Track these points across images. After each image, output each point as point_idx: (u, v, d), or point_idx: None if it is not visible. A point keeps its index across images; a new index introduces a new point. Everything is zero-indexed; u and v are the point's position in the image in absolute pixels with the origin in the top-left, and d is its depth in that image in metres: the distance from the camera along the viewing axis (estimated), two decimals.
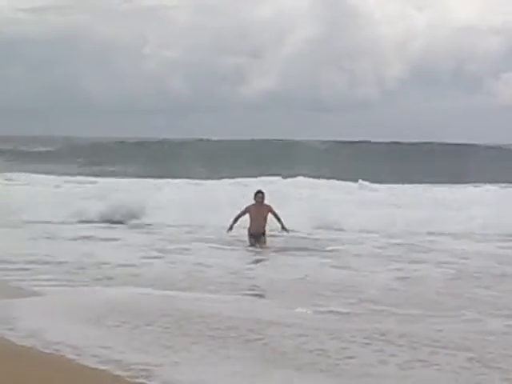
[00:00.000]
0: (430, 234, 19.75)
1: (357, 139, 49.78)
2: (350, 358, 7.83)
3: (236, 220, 17.24)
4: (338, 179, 31.92)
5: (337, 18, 74.74)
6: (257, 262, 15.32)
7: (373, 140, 50.25)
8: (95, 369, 7.09)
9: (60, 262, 13.85)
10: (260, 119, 75.42)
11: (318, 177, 32.54)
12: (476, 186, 32.04)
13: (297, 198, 24.28)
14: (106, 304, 10.07)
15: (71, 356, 7.51)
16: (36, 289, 11.22)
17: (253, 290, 12.16)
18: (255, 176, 31.35)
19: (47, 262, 13.84)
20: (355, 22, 77.93)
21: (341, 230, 20.25)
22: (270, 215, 17.20)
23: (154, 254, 15.44)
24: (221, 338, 8.50)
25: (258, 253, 16.32)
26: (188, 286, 12.03)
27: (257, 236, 17.16)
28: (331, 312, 10.10)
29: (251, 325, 9.10)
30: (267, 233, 17.21)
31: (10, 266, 13.22)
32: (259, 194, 17.23)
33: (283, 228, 17.19)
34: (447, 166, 46.51)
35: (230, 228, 17.20)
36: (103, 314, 9.45)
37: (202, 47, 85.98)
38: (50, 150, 56.83)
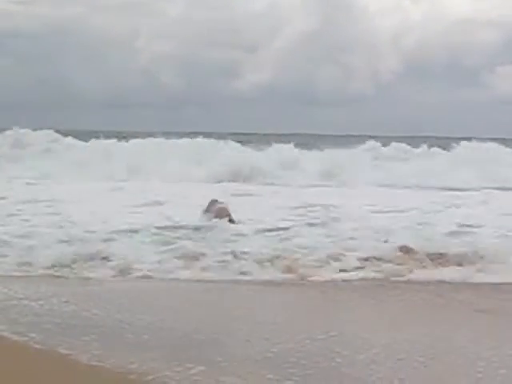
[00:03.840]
0: None
1: (352, 133, 49.42)
2: None
3: None
4: None
5: (331, 11, 74.65)
6: None
7: (367, 134, 49.73)
8: (88, 364, 6.40)
9: None
10: (254, 113, 75.40)
11: None
12: None
13: None
14: None
15: None
16: None
17: None
18: None
19: None
20: (350, 16, 78.29)
21: None
22: None
23: None
24: None
25: None
26: None
27: None
28: None
29: None
30: None
31: None
32: None
33: None
34: None
35: None
36: None
37: (195, 41, 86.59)
38: None
